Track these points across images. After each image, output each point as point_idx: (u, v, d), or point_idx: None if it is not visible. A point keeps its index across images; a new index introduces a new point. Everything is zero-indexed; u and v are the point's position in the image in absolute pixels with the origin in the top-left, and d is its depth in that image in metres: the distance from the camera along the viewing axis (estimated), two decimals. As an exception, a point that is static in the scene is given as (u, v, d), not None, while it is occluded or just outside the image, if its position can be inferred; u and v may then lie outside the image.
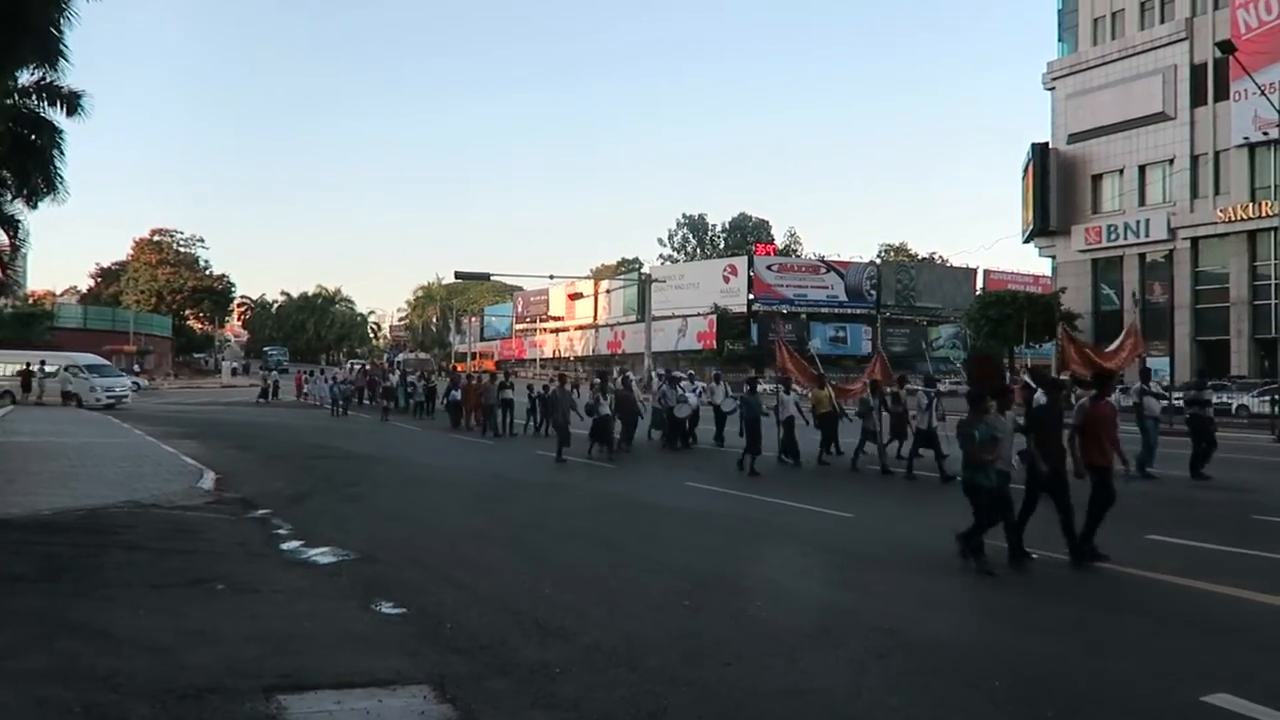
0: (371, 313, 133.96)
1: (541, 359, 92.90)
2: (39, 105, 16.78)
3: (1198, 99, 41.55)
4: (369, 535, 10.13)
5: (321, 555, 8.97)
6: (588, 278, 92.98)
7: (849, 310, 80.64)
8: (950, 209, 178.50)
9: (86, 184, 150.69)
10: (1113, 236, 44.45)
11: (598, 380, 21.38)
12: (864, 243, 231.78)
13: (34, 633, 6.02)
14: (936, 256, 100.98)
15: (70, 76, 16.46)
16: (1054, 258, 49.04)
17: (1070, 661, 5.82)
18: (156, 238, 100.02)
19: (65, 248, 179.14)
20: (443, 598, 7.24)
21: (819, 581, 8.14)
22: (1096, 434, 8.88)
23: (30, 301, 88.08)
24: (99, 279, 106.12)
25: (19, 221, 19.04)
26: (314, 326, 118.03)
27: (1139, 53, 43.65)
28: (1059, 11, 49.56)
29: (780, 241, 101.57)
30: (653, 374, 26.86)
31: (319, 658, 5.75)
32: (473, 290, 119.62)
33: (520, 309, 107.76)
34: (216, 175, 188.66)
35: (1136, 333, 18.35)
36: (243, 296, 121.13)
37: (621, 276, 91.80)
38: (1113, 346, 18.40)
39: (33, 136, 16.93)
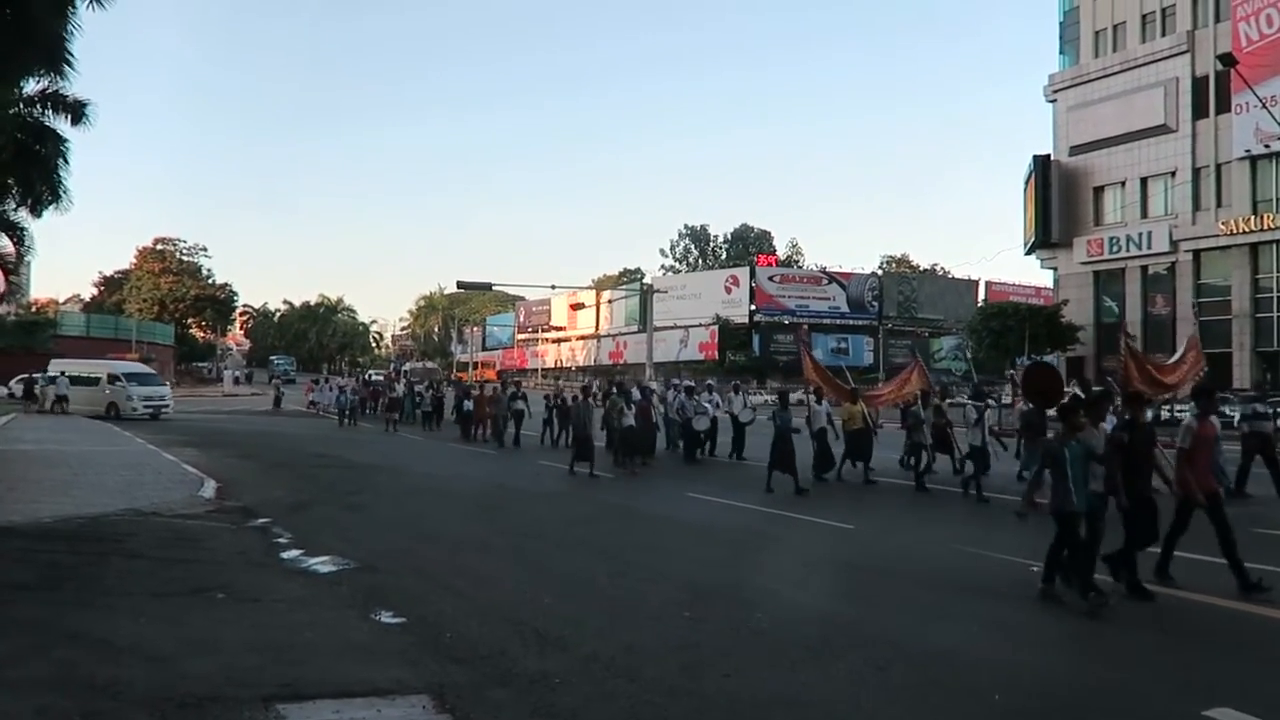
0: (373, 322, 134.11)
1: (543, 369, 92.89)
2: (44, 114, 16.86)
3: (1199, 111, 41.60)
4: (369, 544, 10.13)
5: (322, 564, 8.97)
6: (590, 288, 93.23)
7: (851, 321, 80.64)
8: (952, 221, 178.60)
9: (90, 192, 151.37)
10: (1114, 249, 44.45)
11: (613, 391, 20.51)
12: (866, 254, 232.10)
13: (34, 641, 6.02)
14: (938, 268, 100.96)
15: (75, 85, 16.55)
16: (1056, 270, 49.02)
17: (1071, 674, 5.81)
18: (159, 246, 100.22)
19: (68, 256, 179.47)
20: (443, 607, 7.24)
21: (819, 593, 8.13)
22: (1200, 457, 8.15)
23: (33, 309, 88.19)
24: (102, 287, 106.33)
25: (23, 229, 19.12)
26: (316, 335, 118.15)
27: (1140, 65, 43.73)
28: (1060, 24, 49.66)
29: (782, 252, 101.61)
30: (670, 385, 26.04)
31: (319, 667, 5.75)
32: (475, 300, 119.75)
33: (522, 319, 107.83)
34: (220, 184, 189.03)
35: (1198, 345, 16.85)
36: (245, 305, 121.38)
37: (623, 287, 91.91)
38: (1174, 360, 16.88)
39: (37, 145, 16.99)
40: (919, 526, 12.15)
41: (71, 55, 15.67)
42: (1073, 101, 46.63)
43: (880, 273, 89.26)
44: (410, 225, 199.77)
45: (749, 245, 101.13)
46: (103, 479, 14.83)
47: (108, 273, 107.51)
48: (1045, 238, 47.06)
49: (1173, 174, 42.61)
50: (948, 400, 17.78)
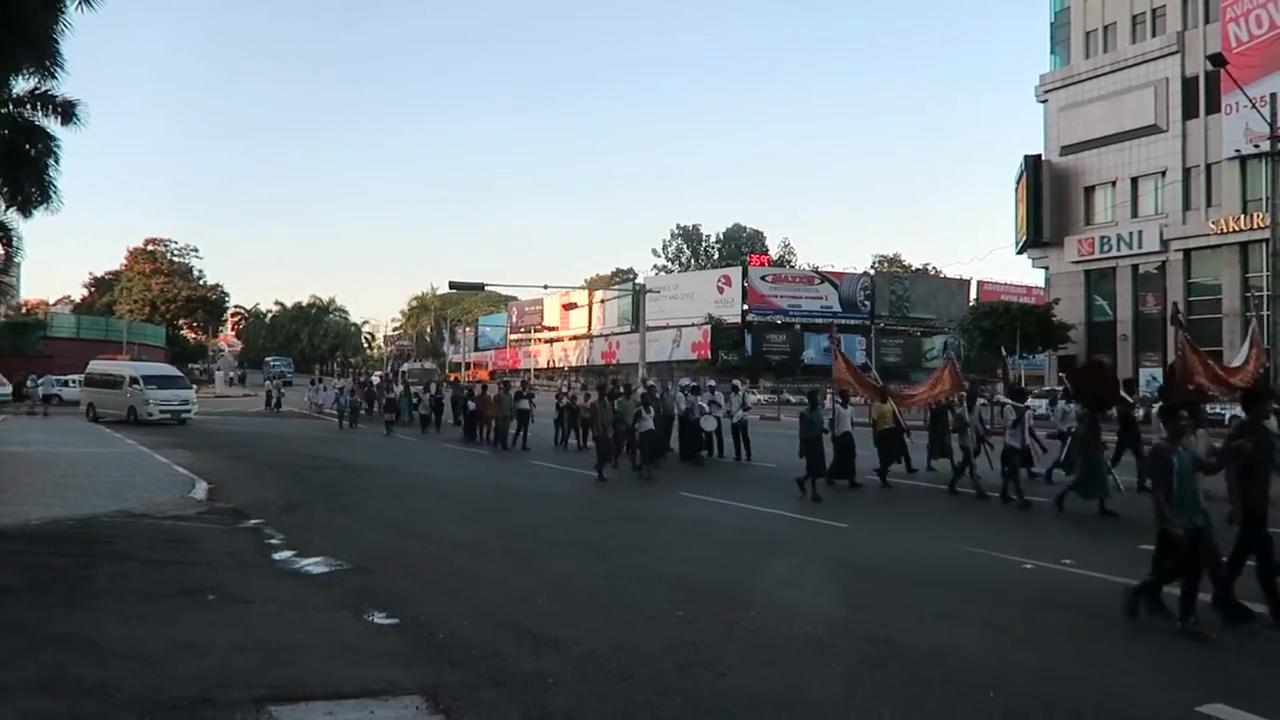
0: (365, 322, 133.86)
1: (536, 369, 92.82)
2: (33, 113, 16.75)
3: (1189, 112, 41.77)
4: (362, 545, 10.09)
5: (314, 565, 8.93)
6: (582, 288, 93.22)
7: (843, 321, 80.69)
8: (944, 220, 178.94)
9: (81, 193, 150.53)
10: (1105, 248, 44.61)
11: (620, 392, 19.69)
12: (858, 254, 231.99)
13: (22, 644, 5.98)
14: (930, 268, 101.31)
15: (65, 85, 16.45)
16: (1047, 269, 49.17)
17: (1065, 672, 5.81)
18: (150, 247, 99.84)
19: (59, 257, 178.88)
20: (436, 608, 7.21)
21: (813, 592, 8.12)
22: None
23: (24, 311, 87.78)
24: (92, 288, 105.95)
25: (13, 230, 18.98)
26: (308, 336, 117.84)
27: (1131, 66, 43.90)
28: (1051, 25, 49.81)
29: (774, 252, 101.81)
30: (672, 384, 25.34)
31: (311, 668, 5.72)
32: (467, 300, 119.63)
33: (515, 319, 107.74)
34: (211, 185, 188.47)
35: (1259, 341, 15.97)
36: (236, 306, 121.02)
37: (616, 287, 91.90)
38: (1239, 360, 15.84)
39: (27, 145, 16.88)
40: (914, 526, 12.15)
41: (61, 55, 15.61)
42: (1064, 101, 46.78)
43: (872, 272, 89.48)
44: (402, 225, 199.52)
45: (741, 245, 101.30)
46: (93, 481, 14.75)
47: (98, 274, 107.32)
48: (1036, 237, 47.20)
49: (1163, 174, 42.78)
50: (980, 401, 16.92)
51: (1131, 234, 43.44)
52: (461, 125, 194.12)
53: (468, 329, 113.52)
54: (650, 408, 17.88)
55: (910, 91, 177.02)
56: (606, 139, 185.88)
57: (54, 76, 16.01)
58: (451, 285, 41.23)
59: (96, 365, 36.06)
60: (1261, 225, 36.03)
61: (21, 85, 16.27)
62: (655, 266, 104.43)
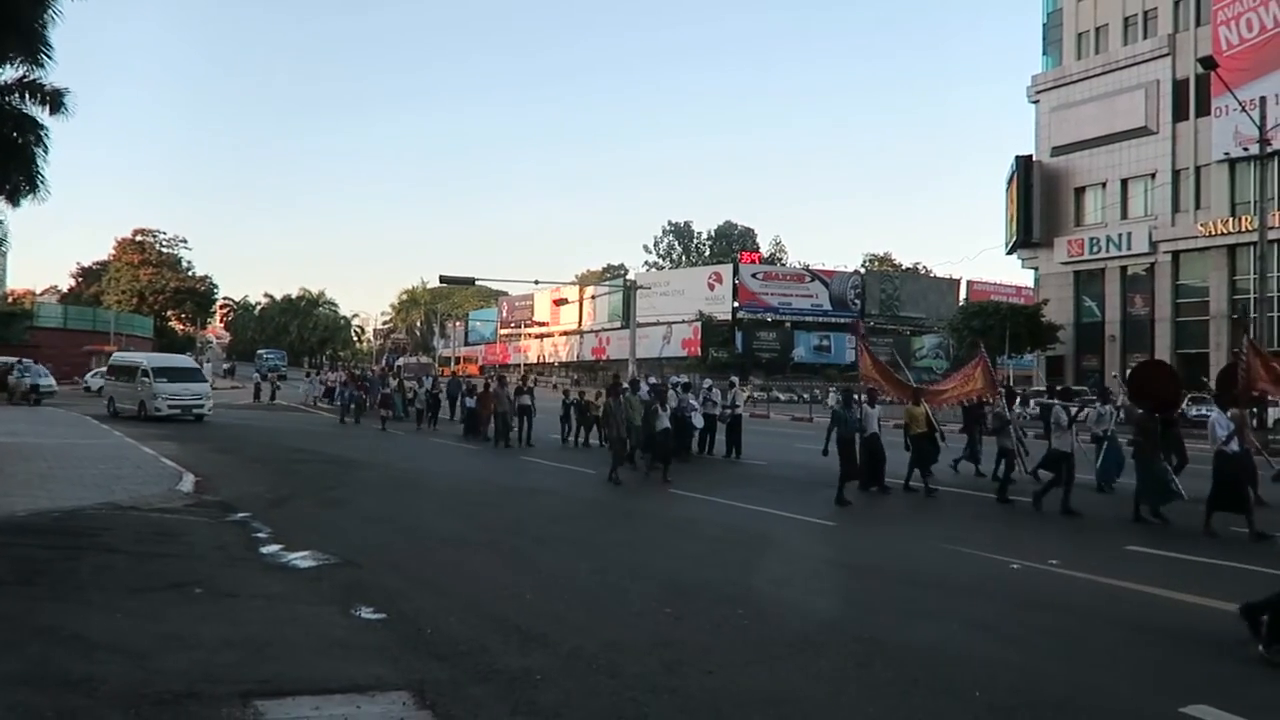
0: (355, 316, 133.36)
1: (526, 364, 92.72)
2: (21, 102, 16.63)
3: (1180, 114, 42.01)
4: (350, 540, 10.06)
5: (302, 559, 8.90)
6: (573, 283, 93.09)
7: (833, 319, 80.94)
8: (934, 220, 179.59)
9: (68, 183, 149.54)
10: (1095, 249, 44.84)
11: (625, 387, 18.62)
12: (848, 252, 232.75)
13: (6, 636, 5.95)
14: (920, 267, 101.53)
15: (53, 74, 16.35)
16: (1037, 269, 49.42)
17: (1050, 672, 5.84)
18: (139, 238, 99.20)
19: (46, 247, 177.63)
20: (423, 603, 7.20)
21: (801, 590, 8.14)
22: None
23: (9, 300, 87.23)
24: (80, 278, 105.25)
25: (1, 220, 18.86)
26: (297, 329, 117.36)
27: (1122, 67, 44.10)
28: (1044, 26, 49.99)
29: (765, 250, 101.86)
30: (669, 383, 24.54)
31: (298, 663, 5.71)
32: (457, 295, 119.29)
33: (505, 314, 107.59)
34: (200, 176, 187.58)
35: None
36: (225, 298, 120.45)
37: (607, 283, 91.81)
38: None
39: (14, 134, 16.76)
40: (902, 524, 12.20)
41: (49, 43, 15.51)
42: (1055, 102, 46.97)
43: (863, 271, 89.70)
44: (393, 219, 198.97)
45: (732, 242, 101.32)
46: (79, 472, 14.66)
47: (86, 264, 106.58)
48: (1026, 237, 47.41)
49: (1153, 176, 43.01)
50: (1017, 400, 16.27)
51: (1121, 235, 43.67)
52: (453, 119, 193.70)
53: (458, 323, 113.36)
54: (665, 405, 16.91)
55: (902, 90, 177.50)
56: (598, 134, 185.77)
57: (42, 65, 15.92)
58: (442, 279, 41.10)
59: (119, 356, 34.61)
60: (1249, 228, 36.29)
61: (9, 74, 16.17)
62: (646, 263, 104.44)
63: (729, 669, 5.71)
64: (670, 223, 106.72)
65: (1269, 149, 27.97)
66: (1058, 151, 46.69)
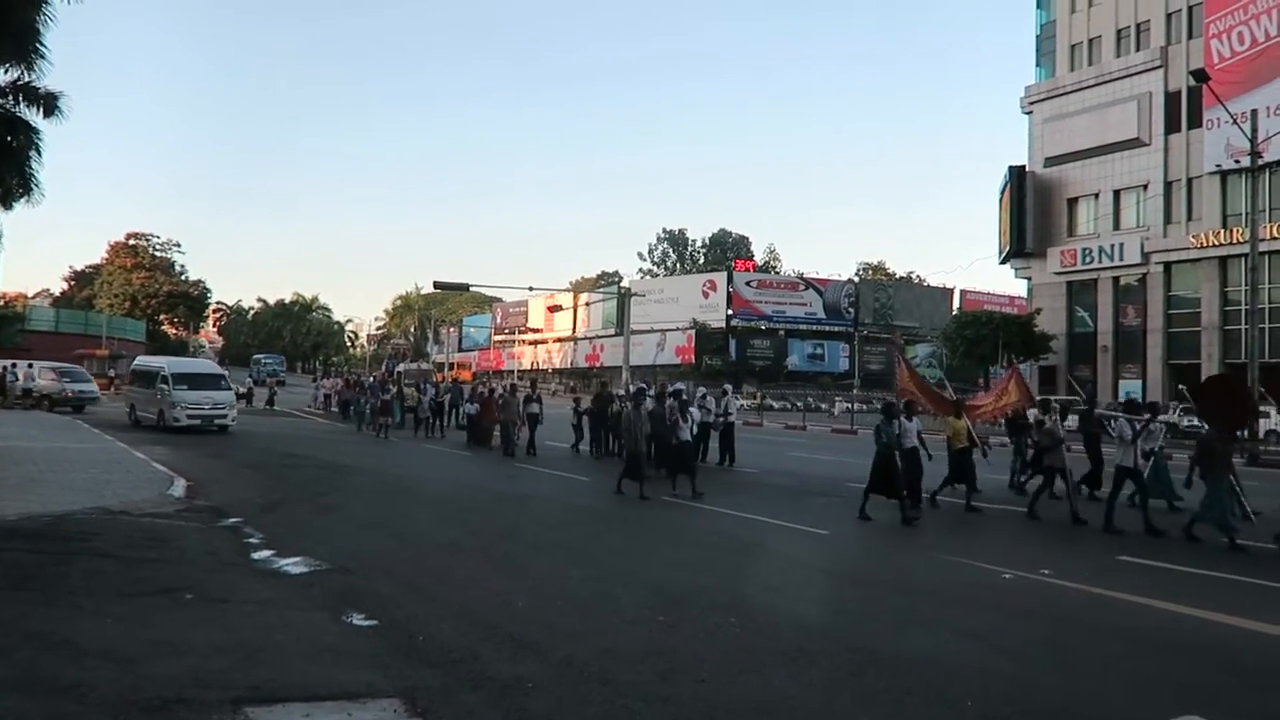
0: (349, 321, 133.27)
1: (520, 370, 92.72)
2: (15, 105, 16.58)
3: (1172, 126, 42.23)
4: (342, 545, 10.03)
5: (293, 565, 8.87)
6: (567, 290, 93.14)
7: (827, 328, 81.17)
8: (928, 229, 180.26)
9: (62, 186, 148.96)
10: (1087, 259, 45.00)
11: (647, 394, 17.42)
12: (842, 261, 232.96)
13: (-5, 641, 5.90)
14: (914, 276, 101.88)
15: (48, 77, 16.30)
16: (1030, 279, 49.55)
17: (1042, 681, 5.85)
18: (132, 241, 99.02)
19: (39, 250, 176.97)
20: (415, 610, 7.17)
21: (794, 599, 8.14)
22: None
23: (2, 303, 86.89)
24: (72, 282, 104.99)
25: (-7, 222, 18.80)
26: (290, 334, 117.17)
27: (1115, 79, 44.34)
28: (1037, 37, 50.25)
29: (760, 258, 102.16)
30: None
31: (289, 669, 5.68)
32: (451, 301, 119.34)
33: (499, 320, 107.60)
34: (193, 180, 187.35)
35: None
36: (218, 302, 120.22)
37: (601, 290, 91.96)
38: None
39: (8, 136, 16.71)
40: (894, 533, 12.20)
41: (44, 46, 15.47)
42: (1048, 114, 47.18)
43: (857, 279, 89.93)
44: (387, 225, 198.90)
45: (727, 250, 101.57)
46: (70, 476, 14.59)
47: (78, 267, 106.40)
48: (1020, 247, 47.57)
49: (1145, 187, 43.21)
50: (1068, 414, 15.66)
51: (1113, 246, 43.84)
52: (448, 125, 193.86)
53: (452, 329, 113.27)
54: (687, 415, 15.89)
55: (897, 100, 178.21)
56: (594, 141, 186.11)
57: (36, 68, 15.87)
58: (436, 285, 41.11)
59: (141, 361, 32.55)
60: (1241, 240, 36.49)
61: (3, 77, 16.12)
62: (641, 270, 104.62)
63: (721, 677, 5.70)
64: (665, 230, 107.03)
65: (1260, 161, 28.11)
66: (1051, 162, 46.89)
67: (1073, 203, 46.57)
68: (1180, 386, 25.60)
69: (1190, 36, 41.72)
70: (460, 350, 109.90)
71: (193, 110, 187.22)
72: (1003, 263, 50.88)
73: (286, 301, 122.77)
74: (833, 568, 9.71)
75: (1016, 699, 5.45)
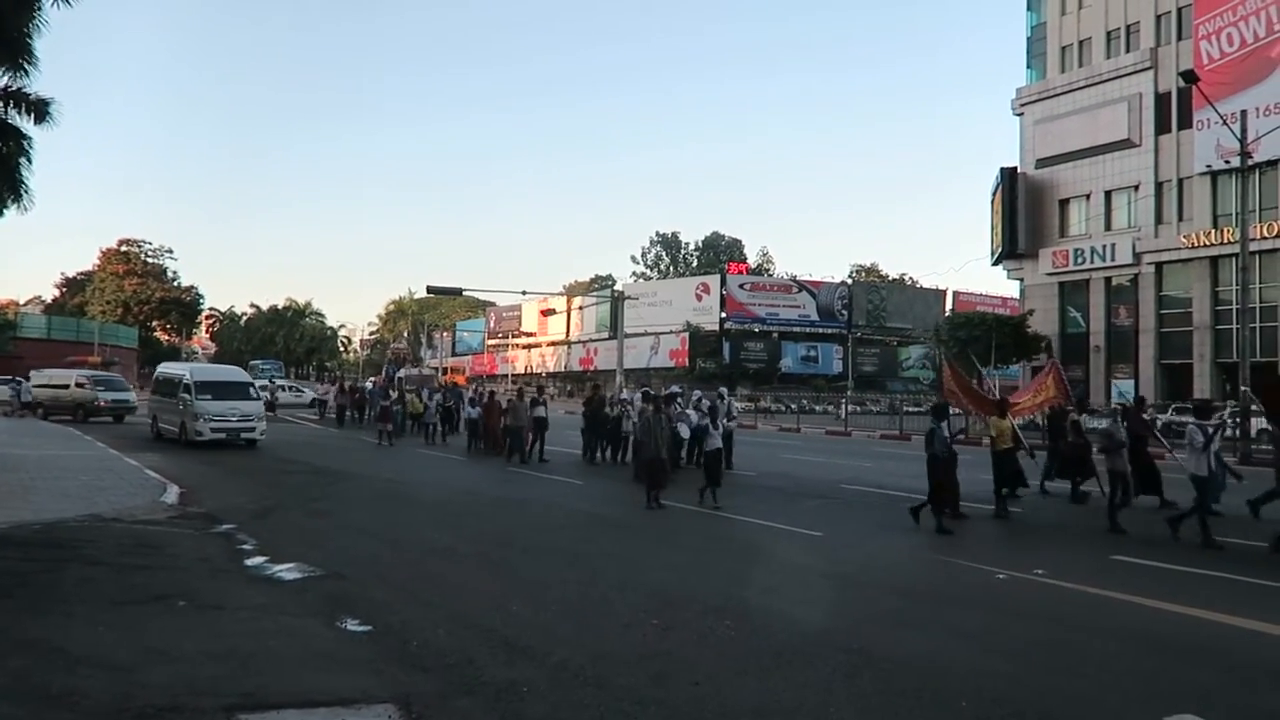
0: (342, 326, 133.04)
1: (513, 375, 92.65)
2: (6, 111, 16.54)
3: (1162, 127, 42.39)
4: (336, 551, 10.01)
5: (287, 571, 8.85)
6: (561, 294, 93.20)
7: (820, 330, 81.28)
8: (921, 231, 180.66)
9: (53, 192, 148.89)
10: (1079, 260, 45.14)
11: (680, 396, 16.82)
12: (835, 263, 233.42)
13: (-13, 650, 5.87)
14: (907, 277, 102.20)
15: (39, 83, 16.27)
16: (1022, 280, 49.66)
17: (1036, 682, 5.86)
18: (124, 248, 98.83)
19: (30, 257, 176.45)
20: (409, 615, 7.16)
21: (788, 601, 8.14)
22: None
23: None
24: (64, 289, 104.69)
25: (-17, 229, 18.72)
26: (283, 339, 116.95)
27: (1105, 81, 44.51)
28: (1028, 39, 50.41)
29: (753, 260, 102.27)
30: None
31: (282, 676, 5.67)
32: (445, 305, 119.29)
33: (492, 324, 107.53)
34: (186, 186, 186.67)
35: None
36: (211, 308, 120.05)
37: (594, 293, 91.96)
38: None
39: (-1, 143, 16.67)
40: (887, 534, 12.20)
41: (35, 52, 15.44)
42: (1039, 115, 47.33)
43: (850, 282, 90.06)
44: (380, 229, 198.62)
45: (720, 253, 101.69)
46: (61, 484, 14.54)
47: (70, 274, 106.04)
48: (1012, 248, 47.68)
49: (1136, 188, 43.36)
50: (1114, 417, 15.09)
51: (1105, 247, 43.98)
52: (440, 129, 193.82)
53: (445, 334, 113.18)
54: (718, 422, 15.02)
55: (889, 102, 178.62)
56: (587, 145, 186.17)
57: (27, 74, 15.84)
58: (429, 290, 41.07)
59: (165, 368, 29.53)
60: (1232, 240, 36.62)
61: (-7, 83, 16.07)
62: (634, 273, 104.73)
63: (716, 680, 5.70)
64: (658, 233, 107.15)
65: (1250, 161, 28.22)
66: (1042, 163, 47.03)
67: (1064, 204, 46.71)
68: (1243, 388, 25.15)
69: (1180, 38, 41.90)
70: (454, 355, 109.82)
71: (184, 116, 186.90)
72: (995, 264, 51.00)
73: (279, 307, 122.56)
74: (827, 569, 9.71)
75: (1010, 700, 5.45)
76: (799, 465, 22.12)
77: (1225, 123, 30.30)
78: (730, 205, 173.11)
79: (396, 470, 20.04)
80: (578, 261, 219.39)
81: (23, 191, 16.98)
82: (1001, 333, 43.88)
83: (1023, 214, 47.26)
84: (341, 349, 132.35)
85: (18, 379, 37.26)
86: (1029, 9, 50.33)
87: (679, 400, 20.42)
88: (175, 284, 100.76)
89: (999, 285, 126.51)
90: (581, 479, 18.00)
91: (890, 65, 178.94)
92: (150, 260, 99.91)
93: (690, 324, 77.77)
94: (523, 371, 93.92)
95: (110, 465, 17.89)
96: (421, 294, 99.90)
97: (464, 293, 49.17)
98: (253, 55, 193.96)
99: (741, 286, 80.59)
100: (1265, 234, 37.08)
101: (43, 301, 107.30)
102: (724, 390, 22.82)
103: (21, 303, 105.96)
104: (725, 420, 19.89)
